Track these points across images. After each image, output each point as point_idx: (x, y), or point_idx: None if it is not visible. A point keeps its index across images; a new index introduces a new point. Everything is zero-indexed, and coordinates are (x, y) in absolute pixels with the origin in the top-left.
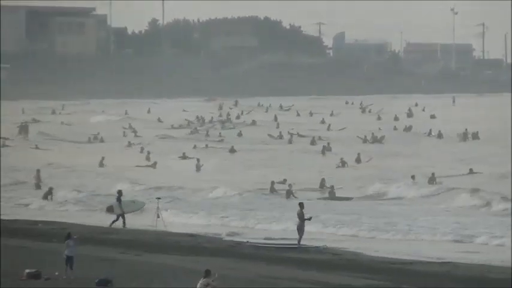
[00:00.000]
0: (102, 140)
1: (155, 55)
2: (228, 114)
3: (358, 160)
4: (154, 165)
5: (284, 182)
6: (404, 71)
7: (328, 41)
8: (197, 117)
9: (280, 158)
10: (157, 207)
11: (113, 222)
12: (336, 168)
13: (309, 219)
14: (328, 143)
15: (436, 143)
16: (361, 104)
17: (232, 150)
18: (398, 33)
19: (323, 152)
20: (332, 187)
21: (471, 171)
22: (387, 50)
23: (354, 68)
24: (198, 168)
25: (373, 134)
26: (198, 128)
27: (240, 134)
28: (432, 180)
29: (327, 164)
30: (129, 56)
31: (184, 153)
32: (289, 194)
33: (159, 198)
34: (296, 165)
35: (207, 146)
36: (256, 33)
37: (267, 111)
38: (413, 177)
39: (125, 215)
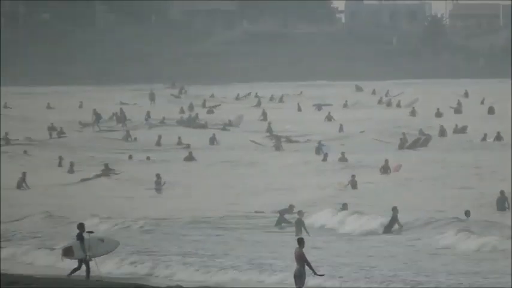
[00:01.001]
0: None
1: (84, 22)
2: (191, 109)
3: (385, 169)
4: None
5: (290, 209)
6: (450, 44)
7: (338, 2)
8: (147, 113)
9: (270, 174)
10: (88, 246)
11: (74, 271)
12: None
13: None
14: (343, 154)
15: (498, 151)
16: (387, 93)
17: (189, 158)
18: None
19: (323, 158)
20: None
21: None
22: (425, 13)
23: (376, 40)
24: (158, 187)
25: (402, 135)
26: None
27: (212, 139)
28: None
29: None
30: (46, 23)
31: (106, 166)
32: (299, 225)
33: (90, 231)
34: (294, 185)
35: (148, 158)
36: None
37: (257, 104)
38: (467, 213)
39: (90, 261)
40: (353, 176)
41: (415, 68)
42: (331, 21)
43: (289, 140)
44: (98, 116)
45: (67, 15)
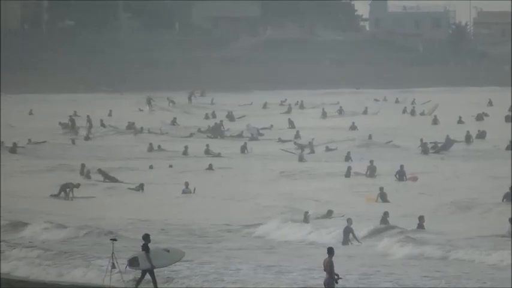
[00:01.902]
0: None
1: (108, 29)
2: (213, 116)
3: (400, 175)
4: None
5: (329, 214)
6: (474, 52)
7: (362, 9)
8: (174, 120)
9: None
10: (112, 254)
11: (139, 281)
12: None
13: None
14: (372, 162)
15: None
16: (413, 101)
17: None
18: None
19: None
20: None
21: None
22: (449, 21)
23: (400, 48)
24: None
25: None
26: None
27: (244, 148)
28: None
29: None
30: (71, 30)
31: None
32: (347, 233)
33: (114, 239)
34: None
35: (171, 165)
36: None
37: (287, 111)
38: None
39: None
40: (381, 189)
41: (440, 76)
42: (355, 28)
43: (312, 150)
44: (90, 123)
45: (91, 22)
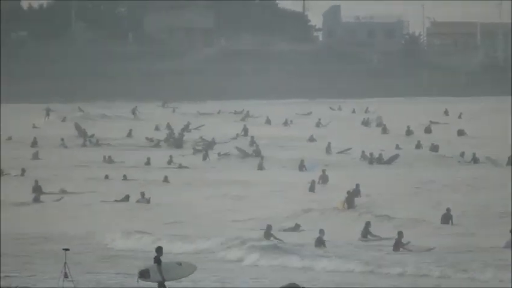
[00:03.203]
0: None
1: (61, 40)
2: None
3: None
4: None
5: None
6: (428, 62)
7: (315, 20)
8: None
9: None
10: (65, 263)
11: None
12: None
13: None
14: (324, 171)
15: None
16: (366, 110)
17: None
18: (418, 7)
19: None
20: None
21: None
22: (402, 32)
23: (354, 58)
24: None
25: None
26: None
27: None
28: None
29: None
30: (24, 41)
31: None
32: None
33: (67, 249)
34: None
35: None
36: (211, 9)
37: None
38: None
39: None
40: (349, 193)
41: (391, 85)
42: (308, 39)
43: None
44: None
45: (44, 32)
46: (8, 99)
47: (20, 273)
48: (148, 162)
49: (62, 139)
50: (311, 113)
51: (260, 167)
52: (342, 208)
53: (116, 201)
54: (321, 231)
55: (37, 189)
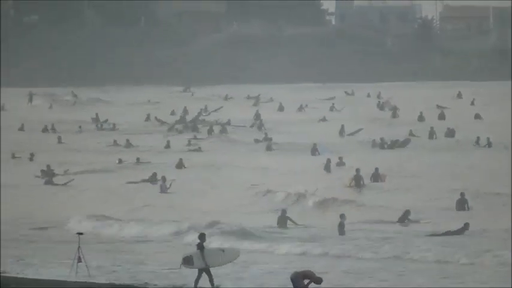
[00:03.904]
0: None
1: (72, 25)
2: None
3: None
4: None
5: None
6: (440, 47)
7: (328, 3)
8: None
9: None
10: (79, 247)
11: (197, 280)
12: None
13: None
14: (341, 158)
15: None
16: (379, 95)
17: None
18: None
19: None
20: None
21: None
22: (415, 15)
23: (366, 42)
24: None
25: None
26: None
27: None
28: None
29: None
30: (35, 24)
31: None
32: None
33: (80, 233)
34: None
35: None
36: None
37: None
38: None
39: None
40: (357, 170)
41: (406, 71)
42: (321, 23)
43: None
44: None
45: (56, 17)
46: (19, 84)
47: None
48: (168, 146)
49: (80, 126)
50: (331, 98)
51: (269, 148)
52: (349, 186)
53: (144, 180)
54: (342, 216)
55: (48, 173)
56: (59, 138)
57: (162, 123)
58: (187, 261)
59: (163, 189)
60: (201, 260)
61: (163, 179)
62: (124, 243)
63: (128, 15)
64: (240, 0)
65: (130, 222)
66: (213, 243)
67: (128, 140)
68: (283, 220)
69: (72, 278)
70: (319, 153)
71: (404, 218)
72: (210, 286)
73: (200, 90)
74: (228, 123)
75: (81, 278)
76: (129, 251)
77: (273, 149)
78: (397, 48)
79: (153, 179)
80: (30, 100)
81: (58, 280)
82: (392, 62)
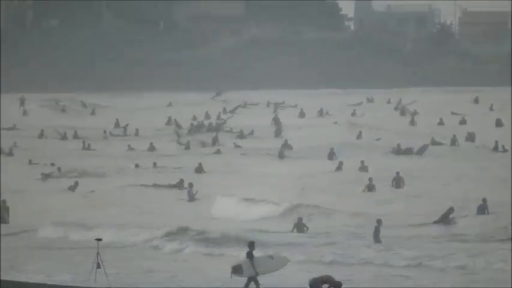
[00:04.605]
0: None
1: (92, 28)
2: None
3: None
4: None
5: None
6: (459, 51)
7: (347, 9)
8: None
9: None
10: (97, 254)
11: None
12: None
13: None
14: (363, 162)
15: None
16: (399, 102)
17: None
18: None
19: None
20: None
21: None
22: (434, 21)
23: (385, 48)
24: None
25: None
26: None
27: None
28: None
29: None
30: (54, 28)
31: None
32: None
33: (99, 239)
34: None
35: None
36: None
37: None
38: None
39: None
40: (370, 180)
41: (422, 74)
42: (340, 28)
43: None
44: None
45: (75, 21)
46: (39, 89)
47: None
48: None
49: (104, 131)
50: (351, 104)
51: (281, 156)
52: (363, 191)
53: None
54: (379, 221)
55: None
56: (84, 143)
57: (179, 128)
58: (237, 270)
59: (191, 196)
60: (251, 269)
61: (190, 185)
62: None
63: (147, 19)
64: (259, 2)
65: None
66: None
67: (151, 144)
68: (300, 226)
69: (91, 284)
70: (335, 158)
71: (446, 217)
72: None
73: (220, 95)
74: (251, 133)
75: (100, 284)
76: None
77: (287, 156)
78: (415, 53)
79: (180, 185)
80: (22, 104)
81: (61, 285)
82: (411, 66)
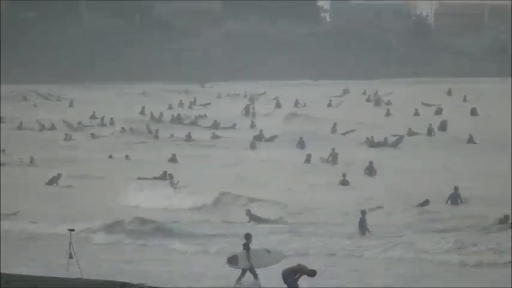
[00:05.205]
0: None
1: (70, 22)
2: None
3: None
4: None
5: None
6: (435, 44)
7: (324, 1)
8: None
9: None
10: (70, 244)
11: (239, 279)
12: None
13: None
14: (334, 150)
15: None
16: (375, 93)
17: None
18: None
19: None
20: None
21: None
22: (410, 13)
23: (361, 39)
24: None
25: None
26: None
27: (188, 137)
28: None
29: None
30: (31, 21)
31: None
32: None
33: (71, 229)
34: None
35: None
36: None
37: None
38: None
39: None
40: (344, 175)
41: (398, 66)
42: (316, 20)
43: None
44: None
45: (52, 13)
46: (15, 81)
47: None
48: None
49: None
50: (328, 95)
51: (253, 146)
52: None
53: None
54: (363, 212)
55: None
56: (66, 135)
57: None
58: (232, 260)
59: (174, 187)
60: (246, 261)
61: (171, 176)
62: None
63: (124, 12)
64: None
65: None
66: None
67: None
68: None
69: (63, 275)
70: (305, 147)
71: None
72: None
73: (194, 87)
74: (227, 124)
75: (72, 274)
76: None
77: (258, 147)
78: (391, 45)
79: (164, 177)
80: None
81: (59, 278)
82: (388, 59)
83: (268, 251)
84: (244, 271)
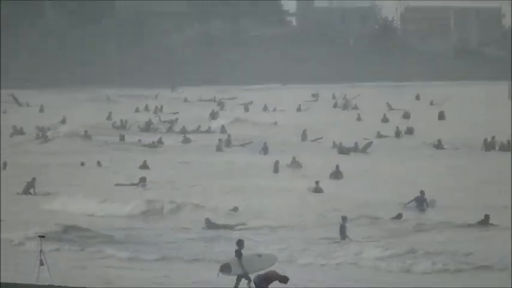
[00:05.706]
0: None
1: (33, 24)
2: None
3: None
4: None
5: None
6: (402, 47)
7: (289, 4)
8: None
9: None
10: (40, 250)
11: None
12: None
13: None
14: (295, 158)
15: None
16: (344, 97)
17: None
18: None
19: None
20: None
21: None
22: (376, 16)
23: (327, 43)
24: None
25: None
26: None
27: (159, 143)
28: None
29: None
30: None
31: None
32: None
33: (42, 236)
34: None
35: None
36: None
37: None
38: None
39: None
40: (317, 182)
41: (364, 70)
42: (282, 23)
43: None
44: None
45: (16, 15)
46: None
47: None
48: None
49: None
50: (296, 99)
51: (219, 149)
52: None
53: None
54: (344, 218)
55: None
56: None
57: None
58: (225, 268)
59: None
60: (239, 267)
61: (143, 179)
62: None
63: (90, 15)
64: (202, 0)
65: None
66: None
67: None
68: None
69: (34, 282)
70: (268, 152)
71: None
72: None
73: (163, 91)
74: (196, 129)
75: (43, 281)
76: None
77: (224, 151)
78: (358, 49)
79: (142, 182)
80: (16, 101)
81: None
82: (354, 63)
83: (260, 255)
84: (239, 278)
